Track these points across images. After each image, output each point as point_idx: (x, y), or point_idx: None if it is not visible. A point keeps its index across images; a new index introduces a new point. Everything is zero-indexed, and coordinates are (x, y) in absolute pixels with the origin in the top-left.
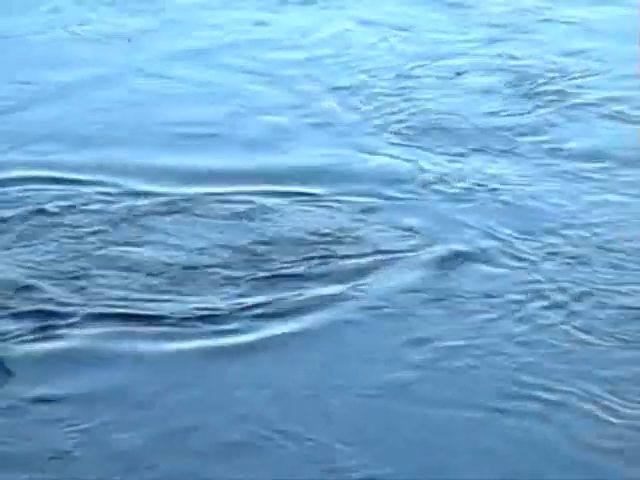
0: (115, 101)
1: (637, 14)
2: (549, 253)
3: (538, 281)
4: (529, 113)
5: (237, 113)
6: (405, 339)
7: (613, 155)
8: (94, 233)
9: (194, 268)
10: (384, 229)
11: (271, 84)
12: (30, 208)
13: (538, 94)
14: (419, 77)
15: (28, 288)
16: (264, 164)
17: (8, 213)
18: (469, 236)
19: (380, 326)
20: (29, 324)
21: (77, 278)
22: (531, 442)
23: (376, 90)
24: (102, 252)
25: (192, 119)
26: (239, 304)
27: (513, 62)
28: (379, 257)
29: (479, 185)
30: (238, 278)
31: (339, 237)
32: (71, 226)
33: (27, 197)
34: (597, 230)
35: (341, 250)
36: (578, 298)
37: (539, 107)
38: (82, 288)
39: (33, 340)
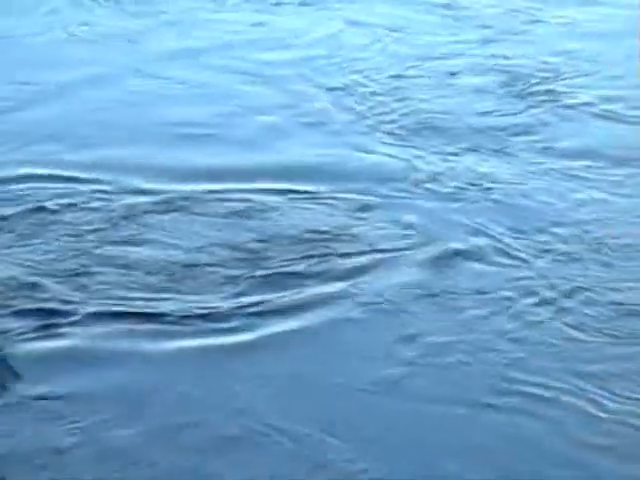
0: (113, 101)
1: (637, 14)
2: (541, 250)
3: (530, 278)
4: (521, 113)
5: (233, 113)
6: (401, 336)
7: (604, 154)
8: (93, 231)
9: (193, 266)
10: (380, 227)
11: (266, 84)
12: (30, 206)
13: (530, 94)
14: (412, 77)
15: (28, 286)
16: (260, 163)
17: (8, 211)
18: (463, 234)
19: (377, 324)
20: (30, 322)
21: (77, 276)
22: (522, 438)
23: (370, 90)
24: (101, 250)
25: (189, 119)
26: (238, 302)
27: (505, 62)
28: (375, 255)
29: (473, 184)
30: (237, 276)
31: (335, 235)
32: (71, 224)
33: (27, 195)
34: (588, 228)
35: (338, 248)
36: (569, 295)
37: (531, 107)
38: (83, 286)
39: (34, 338)
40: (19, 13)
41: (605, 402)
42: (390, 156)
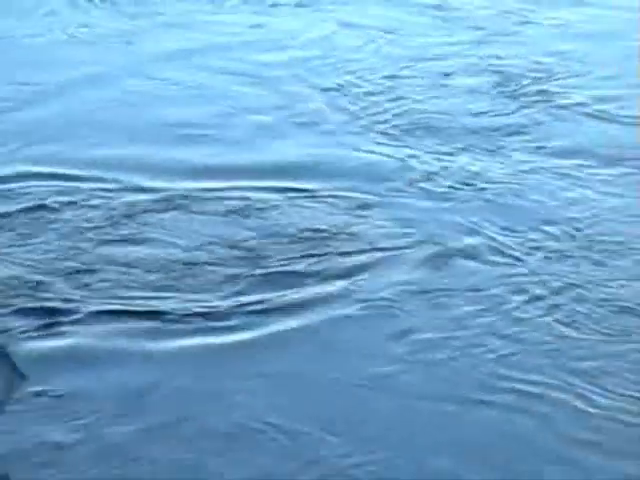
0: (112, 101)
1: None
2: (533, 248)
3: (524, 276)
4: (514, 113)
5: (230, 113)
6: (398, 335)
7: (596, 153)
8: (93, 230)
9: (193, 265)
10: (376, 226)
11: (262, 85)
12: (31, 204)
13: (523, 94)
14: (406, 78)
15: (29, 285)
16: (257, 162)
17: (9, 209)
18: (457, 233)
19: (375, 322)
20: (31, 321)
21: (78, 274)
22: (512, 434)
23: (364, 90)
24: (101, 249)
25: (187, 119)
26: (238, 301)
27: (498, 63)
28: (373, 254)
29: (467, 184)
30: (237, 275)
31: (333, 234)
32: (71, 222)
33: (28, 193)
34: (580, 226)
35: (336, 247)
36: (561, 292)
37: (524, 107)
38: (83, 285)
39: (35, 337)
40: (18, 14)
41: (596, 398)
42: (385, 156)
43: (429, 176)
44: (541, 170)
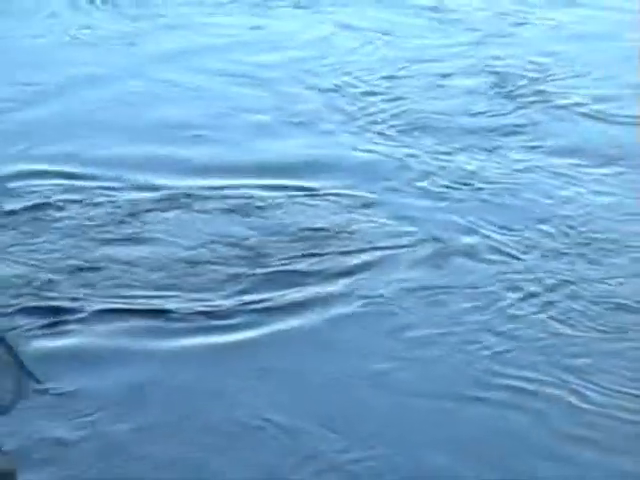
0: (112, 101)
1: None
2: (530, 247)
3: (520, 273)
4: (511, 113)
5: (228, 114)
6: (397, 333)
7: (591, 153)
8: (96, 228)
9: (196, 264)
10: (376, 226)
11: (261, 86)
12: (34, 203)
13: (520, 95)
14: (404, 79)
15: (33, 283)
16: (257, 162)
17: (13, 207)
18: (455, 232)
19: (374, 320)
20: (35, 320)
21: (81, 272)
22: (507, 431)
23: (362, 91)
24: (104, 248)
25: (187, 118)
26: (240, 300)
27: (495, 64)
28: (373, 253)
29: (465, 183)
30: (239, 274)
31: (333, 233)
32: (75, 220)
33: (31, 192)
34: (577, 225)
35: (336, 246)
36: (555, 289)
37: (521, 107)
38: (87, 284)
39: (39, 335)
40: (20, 16)
41: (590, 395)
42: (384, 155)
43: (427, 175)
44: (537, 169)
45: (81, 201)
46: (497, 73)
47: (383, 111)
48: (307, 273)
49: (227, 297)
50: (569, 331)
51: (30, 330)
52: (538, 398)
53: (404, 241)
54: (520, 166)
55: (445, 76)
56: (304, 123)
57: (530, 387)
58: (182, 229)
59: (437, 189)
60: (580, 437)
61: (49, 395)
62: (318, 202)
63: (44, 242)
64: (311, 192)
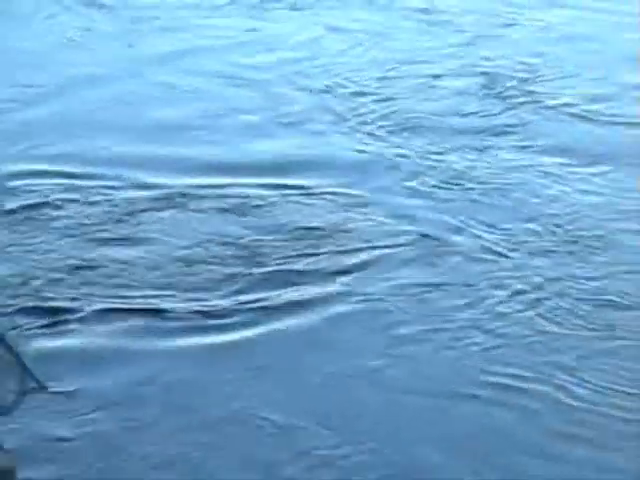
0: (110, 101)
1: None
2: (520, 245)
3: (511, 271)
4: (501, 113)
5: (223, 114)
6: (388, 331)
7: (580, 152)
8: (93, 227)
9: (193, 263)
10: (368, 225)
11: (253, 87)
12: (33, 202)
13: (510, 95)
14: (395, 80)
15: (32, 283)
16: (252, 161)
17: (11, 206)
18: (445, 231)
19: (369, 319)
20: (34, 319)
21: (79, 272)
22: (496, 427)
23: (353, 91)
24: (101, 248)
25: (183, 119)
26: (237, 300)
27: (485, 65)
28: (367, 252)
29: (456, 183)
30: (235, 274)
31: (329, 232)
32: (72, 219)
33: (30, 191)
34: (565, 223)
35: (332, 245)
36: (543, 287)
37: (511, 108)
38: (85, 283)
39: (39, 335)
40: (19, 19)
41: (578, 392)
42: (375, 155)
43: (418, 175)
44: (527, 169)
45: (79, 200)
46: (487, 74)
47: (374, 112)
48: (303, 272)
49: (223, 296)
50: (556, 329)
51: (30, 330)
52: (527, 395)
53: (397, 240)
54: (510, 166)
55: (435, 77)
56: (296, 123)
57: (520, 385)
58: (178, 228)
59: (428, 189)
60: (571, 434)
61: (49, 394)
62: (313, 201)
63: (41, 242)
64: (306, 191)
